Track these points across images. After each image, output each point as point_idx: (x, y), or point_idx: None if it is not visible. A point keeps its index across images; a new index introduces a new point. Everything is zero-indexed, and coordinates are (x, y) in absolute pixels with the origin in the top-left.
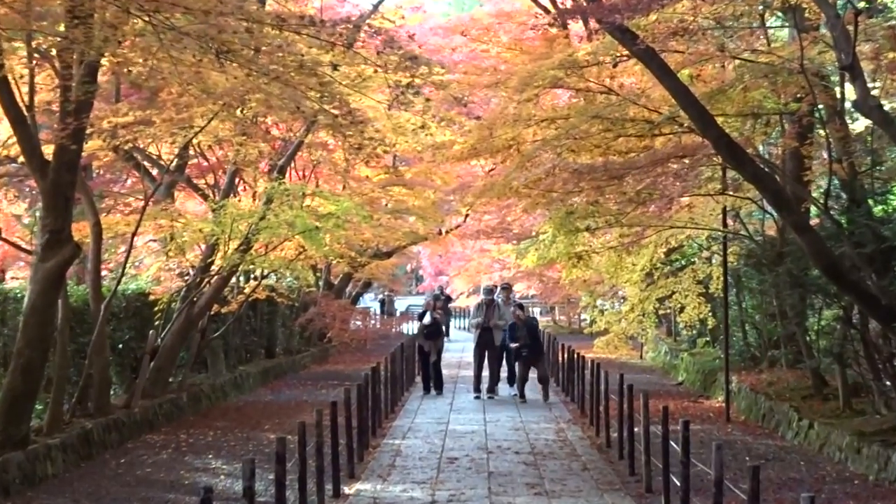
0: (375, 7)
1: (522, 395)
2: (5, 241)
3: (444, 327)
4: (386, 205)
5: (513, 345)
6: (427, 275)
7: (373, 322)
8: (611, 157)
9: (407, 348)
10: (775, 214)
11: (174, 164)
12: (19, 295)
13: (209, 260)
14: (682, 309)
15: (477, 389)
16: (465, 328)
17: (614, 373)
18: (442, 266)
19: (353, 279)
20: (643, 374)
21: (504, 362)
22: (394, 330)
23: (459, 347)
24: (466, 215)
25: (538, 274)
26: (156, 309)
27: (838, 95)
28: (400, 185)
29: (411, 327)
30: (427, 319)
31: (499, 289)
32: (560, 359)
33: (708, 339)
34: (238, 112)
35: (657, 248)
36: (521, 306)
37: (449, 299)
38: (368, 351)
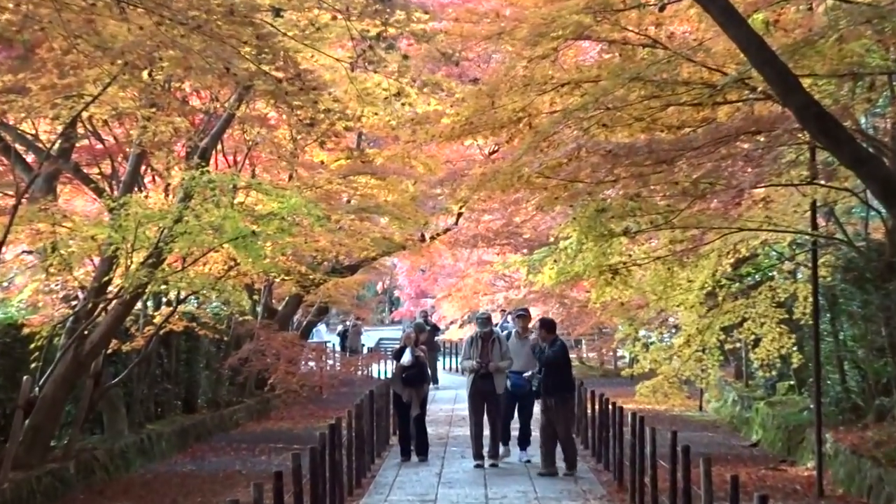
0: None
1: (552, 465)
2: None
3: (429, 369)
4: (348, 201)
5: (525, 374)
6: (405, 297)
7: (331, 362)
8: (657, 134)
9: (378, 398)
10: (883, 211)
11: (56, 146)
12: None
13: (105, 279)
14: (756, 342)
15: (478, 455)
16: (457, 370)
17: (664, 430)
18: (426, 285)
19: (304, 304)
20: (703, 431)
21: (516, 416)
22: (360, 373)
23: (450, 396)
24: (459, 215)
25: (558, 295)
26: (31, 346)
27: None
28: (367, 175)
29: (385, 369)
30: (406, 359)
31: (510, 317)
32: (590, 411)
33: (792, 382)
34: (145, 75)
35: (721, 259)
36: (551, 326)
37: (436, 330)
38: (326, 402)
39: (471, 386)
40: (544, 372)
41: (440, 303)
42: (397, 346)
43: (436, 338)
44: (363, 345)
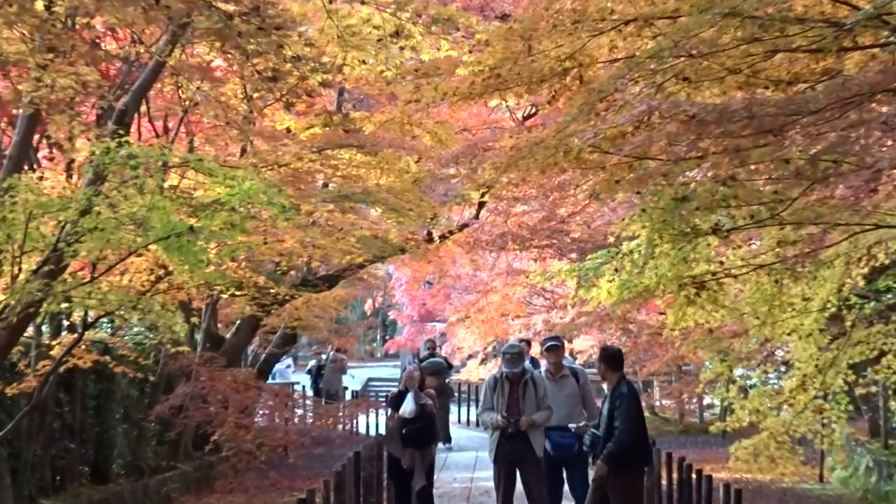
0: None
1: None
2: None
3: (438, 423)
4: (325, 185)
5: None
6: (404, 320)
7: (300, 412)
8: (759, 93)
9: (367, 463)
10: None
11: None
12: None
13: None
14: None
15: None
16: (477, 423)
17: None
18: (433, 304)
19: (262, 330)
20: None
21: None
22: (341, 427)
23: (468, 460)
24: (481, 205)
25: (620, 319)
26: None
27: None
28: (352, 148)
29: (376, 422)
30: (408, 408)
31: (541, 348)
32: (664, 482)
33: None
34: (39, 5)
35: (850, 269)
36: (616, 361)
37: (447, 368)
38: (293, 468)
39: (496, 449)
40: (605, 430)
41: (453, 329)
42: (394, 391)
43: (447, 379)
44: (345, 387)
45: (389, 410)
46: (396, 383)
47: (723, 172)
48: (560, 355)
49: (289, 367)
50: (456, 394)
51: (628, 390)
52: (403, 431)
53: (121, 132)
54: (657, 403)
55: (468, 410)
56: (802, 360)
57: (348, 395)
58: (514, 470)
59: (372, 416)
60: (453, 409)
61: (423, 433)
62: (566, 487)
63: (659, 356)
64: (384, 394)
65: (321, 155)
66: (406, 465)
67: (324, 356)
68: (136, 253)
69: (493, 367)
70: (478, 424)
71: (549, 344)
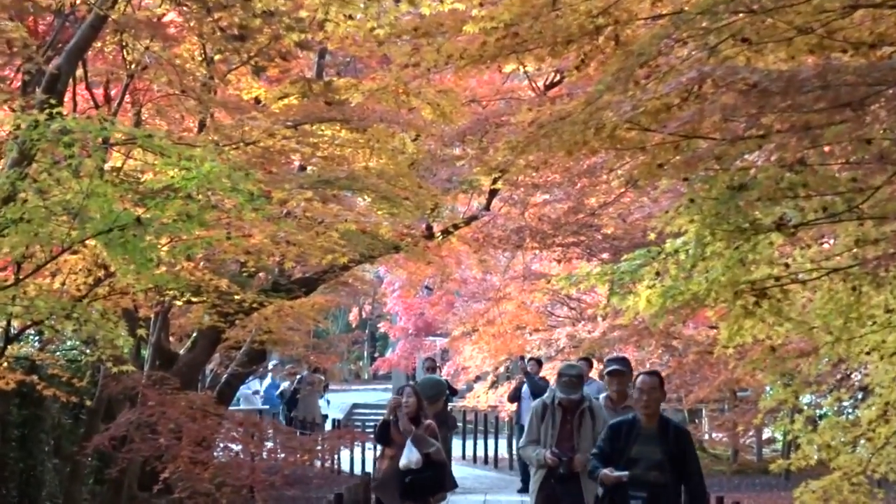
0: None
1: None
2: None
3: (448, 468)
4: (303, 168)
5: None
6: (398, 333)
7: (270, 444)
8: (835, 58)
9: None
10: None
11: None
12: None
13: None
14: None
15: None
16: (485, 459)
17: None
18: (432, 314)
19: (224, 345)
20: None
21: None
22: (320, 463)
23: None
24: (492, 194)
25: (662, 333)
26: None
27: None
28: (335, 123)
29: (361, 457)
30: (410, 458)
31: (604, 369)
32: None
33: None
34: None
35: None
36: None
37: (446, 388)
38: None
39: (538, 491)
40: (670, 476)
41: (457, 344)
42: (384, 419)
43: (448, 406)
44: (325, 415)
45: (379, 447)
46: (386, 410)
47: (790, 155)
48: (626, 382)
49: (256, 392)
50: (459, 423)
51: (681, 432)
52: (406, 480)
53: (52, 101)
54: (706, 437)
55: (475, 444)
56: (884, 384)
57: (328, 425)
58: None
59: (357, 450)
60: (456, 442)
61: (430, 483)
62: None
63: (709, 379)
64: (372, 423)
65: (297, 131)
66: None
67: (300, 375)
68: (71, 249)
69: (505, 392)
70: (490, 462)
71: (612, 368)
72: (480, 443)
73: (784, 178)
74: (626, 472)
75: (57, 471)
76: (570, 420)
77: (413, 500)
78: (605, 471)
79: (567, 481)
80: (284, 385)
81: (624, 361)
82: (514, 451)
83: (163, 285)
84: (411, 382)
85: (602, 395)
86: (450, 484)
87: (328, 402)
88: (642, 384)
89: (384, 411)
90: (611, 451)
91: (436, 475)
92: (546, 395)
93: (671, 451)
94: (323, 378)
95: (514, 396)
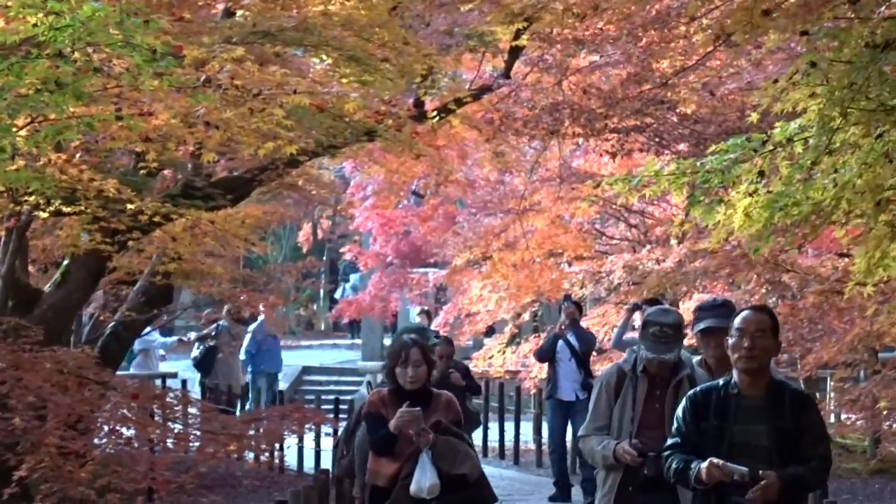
0: None
1: None
2: None
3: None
4: (230, 14)
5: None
6: (370, 261)
7: (179, 427)
8: None
9: None
10: None
11: None
12: None
13: None
14: None
15: None
16: (497, 450)
17: None
18: (424, 234)
19: (110, 277)
20: None
21: None
22: (254, 455)
23: None
24: (513, 52)
25: (767, 264)
26: None
27: None
28: None
29: (315, 447)
30: (425, 483)
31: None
32: None
33: None
34: None
35: None
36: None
37: (469, 394)
38: None
39: (615, 498)
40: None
41: (460, 279)
42: (365, 406)
43: (468, 379)
44: (277, 376)
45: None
46: (357, 380)
47: None
48: (720, 341)
49: (164, 344)
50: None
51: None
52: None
53: None
54: (831, 419)
55: (485, 428)
56: None
57: (265, 395)
58: None
59: (310, 436)
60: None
61: None
62: None
63: (837, 333)
64: (330, 396)
65: None
66: None
67: (215, 326)
68: None
69: (530, 351)
70: (507, 458)
71: (707, 323)
72: (494, 427)
73: None
74: (745, 469)
75: None
76: (661, 396)
77: None
78: (709, 463)
79: (655, 488)
80: (200, 339)
81: (726, 308)
82: (545, 438)
83: (18, 186)
84: (413, 336)
85: (695, 360)
86: (491, 500)
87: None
88: (744, 323)
89: (352, 382)
90: (697, 434)
91: (470, 499)
92: (624, 357)
93: (786, 431)
94: (249, 328)
95: (546, 353)
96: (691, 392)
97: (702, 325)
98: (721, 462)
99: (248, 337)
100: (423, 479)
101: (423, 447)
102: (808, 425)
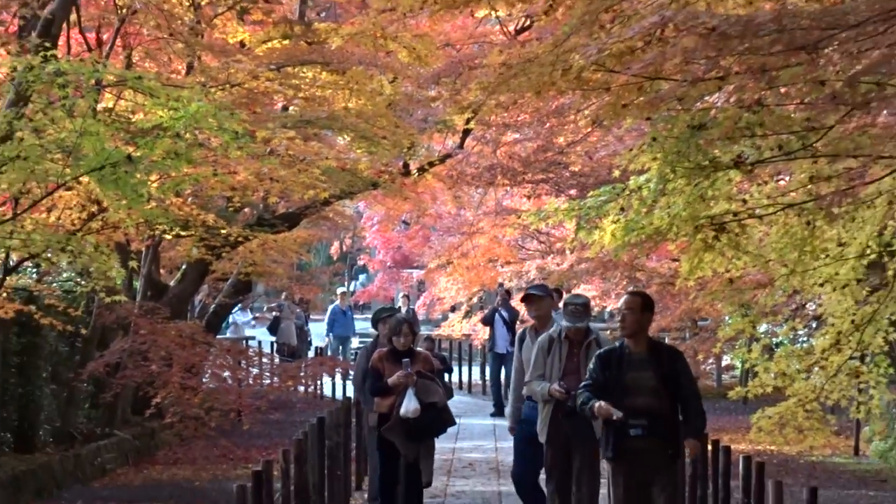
0: None
1: None
2: None
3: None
4: (286, 108)
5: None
6: (376, 266)
7: (256, 371)
8: (791, 3)
9: (333, 431)
10: None
11: None
12: None
13: None
14: None
15: None
16: (457, 384)
17: (796, 486)
18: (410, 247)
19: (212, 276)
20: (861, 488)
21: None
22: (303, 388)
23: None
24: (465, 133)
25: (626, 266)
26: None
27: None
28: (317, 65)
29: (342, 383)
30: (409, 406)
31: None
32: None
33: None
34: None
35: (894, 208)
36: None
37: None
38: (247, 437)
39: (549, 425)
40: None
41: (433, 276)
42: (370, 361)
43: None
44: (309, 342)
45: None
46: (366, 340)
47: (747, 96)
48: (547, 307)
49: (250, 321)
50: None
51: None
52: (413, 421)
53: (47, 45)
54: None
55: (450, 370)
56: (837, 314)
57: (311, 352)
58: (567, 457)
59: (339, 377)
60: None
61: (432, 425)
62: None
63: (671, 309)
64: (352, 352)
65: (280, 73)
66: (408, 458)
67: (278, 304)
68: (66, 186)
69: (477, 322)
70: (463, 389)
71: (528, 293)
72: (455, 369)
73: (742, 117)
74: (620, 413)
75: (54, 396)
76: (577, 353)
77: (418, 441)
78: (600, 403)
79: (576, 416)
80: (276, 309)
81: (542, 287)
82: (487, 377)
83: (153, 220)
84: (403, 315)
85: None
86: (450, 421)
87: (308, 330)
88: (623, 303)
89: (365, 340)
90: (604, 380)
91: (438, 417)
92: (552, 328)
93: (665, 375)
94: (297, 307)
95: (489, 320)
96: (598, 351)
97: (524, 294)
98: (606, 404)
99: (328, 311)
100: (409, 405)
101: (410, 385)
102: (682, 370)
